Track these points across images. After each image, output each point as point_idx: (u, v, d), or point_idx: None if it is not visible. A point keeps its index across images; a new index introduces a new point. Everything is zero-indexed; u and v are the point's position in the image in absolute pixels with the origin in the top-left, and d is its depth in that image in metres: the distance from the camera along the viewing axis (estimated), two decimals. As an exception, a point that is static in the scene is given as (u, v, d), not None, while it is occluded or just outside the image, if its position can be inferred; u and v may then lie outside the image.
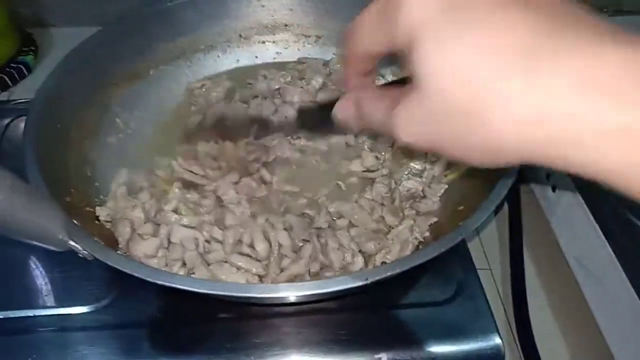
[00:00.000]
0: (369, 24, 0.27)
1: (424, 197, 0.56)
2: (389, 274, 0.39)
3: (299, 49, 0.70)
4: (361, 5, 0.72)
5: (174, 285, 0.37)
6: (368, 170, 0.58)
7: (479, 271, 0.67)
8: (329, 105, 0.33)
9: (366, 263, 0.50)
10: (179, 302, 0.50)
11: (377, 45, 0.27)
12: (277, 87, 0.65)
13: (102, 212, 0.50)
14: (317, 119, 0.43)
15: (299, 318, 0.49)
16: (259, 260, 0.47)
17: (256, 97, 0.64)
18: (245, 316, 0.49)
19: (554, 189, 0.64)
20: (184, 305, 0.50)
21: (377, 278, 0.39)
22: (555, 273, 0.66)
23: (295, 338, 0.48)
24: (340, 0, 0.68)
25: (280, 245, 0.47)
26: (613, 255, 0.54)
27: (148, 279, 0.38)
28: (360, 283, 0.38)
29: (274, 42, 0.70)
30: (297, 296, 0.38)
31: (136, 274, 0.38)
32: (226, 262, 0.46)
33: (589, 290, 0.60)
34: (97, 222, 0.50)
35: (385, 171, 0.57)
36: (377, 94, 0.29)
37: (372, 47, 0.27)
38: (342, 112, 0.31)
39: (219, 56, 0.69)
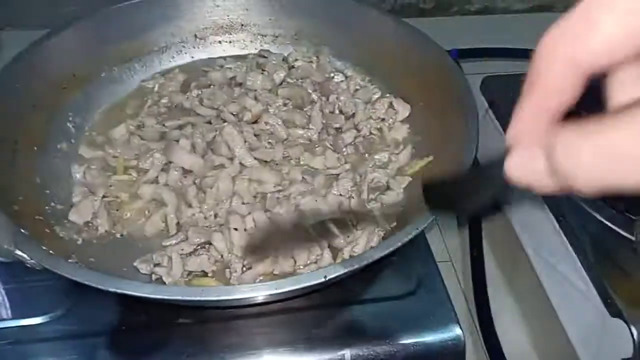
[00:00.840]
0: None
1: (389, 188, 0.56)
2: (346, 270, 0.39)
3: (256, 49, 0.70)
4: (316, 4, 0.71)
5: (124, 292, 0.36)
6: (331, 168, 0.58)
7: (440, 264, 0.68)
8: (472, 177, 0.24)
9: (334, 257, 0.50)
10: (138, 308, 0.49)
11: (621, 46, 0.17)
12: (232, 75, 0.64)
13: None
14: (460, 196, 0.29)
15: (261, 319, 0.49)
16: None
17: (212, 85, 0.63)
18: (206, 320, 0.48)
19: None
20: (143, 311, 0.49)
21: (335, 275, 0.39)
22: (514, 264, 0.68)
23: (257, 339, 0.47)
24: (295, -1, 0.68)
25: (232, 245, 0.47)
26: (568, 243, 0.56)
27: (99, 287, 0.37)
28: (318, 281, 0.38)
29: (230, 42, 0.70)
30: (252, 298, 0.38)
31: (86, 282, 0.37)
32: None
33: (546, 278, 0.62)
34: (47, 230, 0.48)
35: (347, 166, 0.58)
36: (581, 132, 0.18)
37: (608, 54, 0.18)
38: (522, 170, 0.21)
39: (173, 57, 0.68)
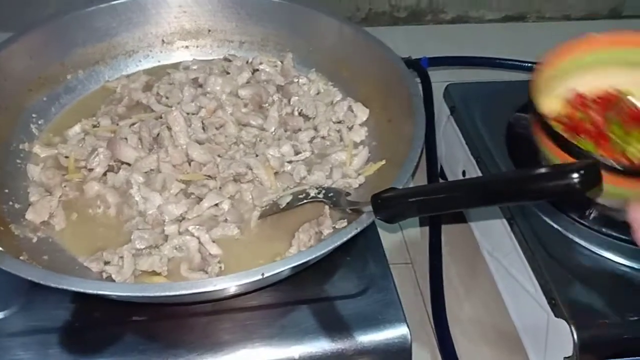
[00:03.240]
0: None
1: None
2: (284, 268, 0.40)
3: (222, 54, 0.71)
4: (281, 11, 0.73)
5: (64, 288, 0.38)
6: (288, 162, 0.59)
7: (400, 266, 0.70)
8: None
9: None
10: (92, 305, 0.50)
11: None
12: (195, 76, 0.66)
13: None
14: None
15: (213, 316, 0.50)
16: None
17: (171, 84, 0.65)
18: (159, 317, 0.49)
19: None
20: (97, 309, 0.50)
21: (273, 273, 0.40)
22: (472, 265, 0.69)
23: (209, 337, 0.48)
24: (262, 6, 0.69)
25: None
26: (518, 246, 0.58)
27: (41, 282, 0.38)
28: (255, 278, 0.39)
29: (197, 46, 0.71)
30: (192, 295, 0.39)
31: (30, 278, 0.38)
32: None
33: (499, 279, 0.63)
34: (2, 228, 0.49)
35: (307, 154, 0.59)
36: None
37: None
38: None
39: (140, 61, 0.69)
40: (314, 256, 0.41)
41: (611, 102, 0.60)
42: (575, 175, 0.28)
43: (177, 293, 0.38)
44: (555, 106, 0.60)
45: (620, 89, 0.61)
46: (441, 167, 0.77)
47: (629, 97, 0.60)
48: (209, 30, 0.71)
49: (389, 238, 0.71)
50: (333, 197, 0.52)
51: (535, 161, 0.61)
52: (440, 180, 0.76)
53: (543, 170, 0.30)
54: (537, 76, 0.58)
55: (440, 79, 0.85)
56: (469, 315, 0.65)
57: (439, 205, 0.38)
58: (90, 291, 0.37)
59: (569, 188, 0.28)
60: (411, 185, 0.53)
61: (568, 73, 0.61)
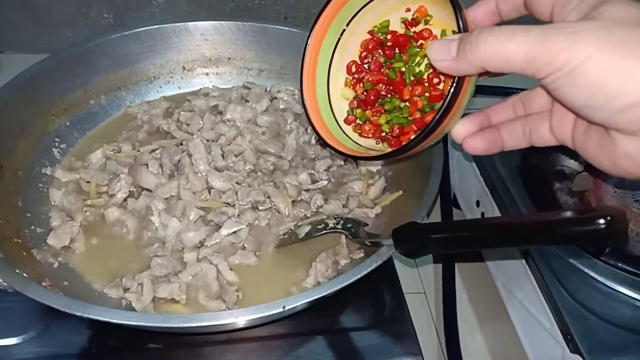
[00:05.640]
0: None
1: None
2: (305, 301, 0.40)
3: (242, 82, 0.73)
4: (300, 42, 0.75)
5: (90, 317, 0.38)
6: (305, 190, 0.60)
7: (413, 295, 0.70)
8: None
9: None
10: (109, 332, 0.50)
11: None
12: (215, 104, 0.67)
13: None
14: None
15: (230, 346, 0.50)
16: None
17: (191, 111, 0.66)
18: (175, 346, 0.50)
19: (482, 216, 0.67)
20: (114, 335, 0.50)
21: (294, 305, 0.40)
22: (486, 297, 0.69)
23: (223, 367, 0.49)
24: (281, 35, 0.71)
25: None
26: (533, 280, 0.58)
27: (66, 310, 0.38)
28: (277, 311, 0.40)
29: (217, 73, 0.73)
30: (214, 326, 0.39)
31: (54, 305, 0.39)
32: None
33: (513, 312, 0.63)
34: (24, 253, 0.50)
35: (324, 182, 0.60)
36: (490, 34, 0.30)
37: None
38: (438, 52, 0.33)
39: (161, 87, 0.70)
40: (335, 289, 0.41)
41: (375, 48, 0.49)
42: (602, 221, 0.28)
43: (201, 324, 0.38)
44: (349, 93, 0.50)
45: (376, 25, 0.48)
46: (454, 195, 0.78)
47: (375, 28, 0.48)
48: (229, 58, 0.72)
49: (401, 267, 0.71)
50: (352, 229, 0.52)
51: (551, 193, 0.61)
52: (454, 210, 0.76)
53: (569, 214, 0.30)
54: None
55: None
56: (483, 348, 0.65)
57: (462, 243, 0.38)
58: (116, 321, 0.38)
59: (595, 234, 0.28)
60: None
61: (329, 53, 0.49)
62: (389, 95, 0.47)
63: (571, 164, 0.65)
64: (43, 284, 0.46)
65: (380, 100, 0.47)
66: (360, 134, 0.48)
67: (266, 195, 0.57)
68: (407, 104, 0.46)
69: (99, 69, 0.66)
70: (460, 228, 0.39)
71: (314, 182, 0.60)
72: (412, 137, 0.41)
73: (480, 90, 0.94)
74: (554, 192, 0.60)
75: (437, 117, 0.36)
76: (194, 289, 0.51)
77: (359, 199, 0.60)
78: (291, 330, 0.52)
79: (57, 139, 0.62)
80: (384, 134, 0.47)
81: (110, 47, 0.66)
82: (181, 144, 0.61)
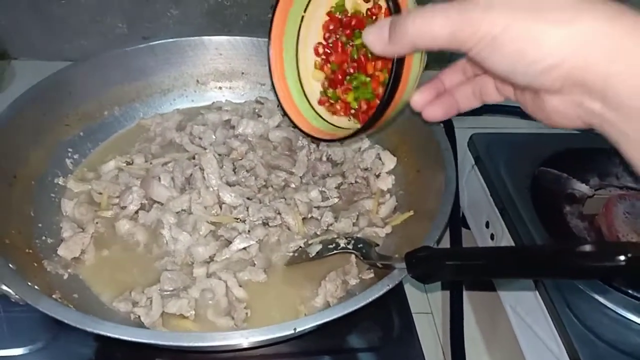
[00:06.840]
0: None
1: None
2: (316, 323, 0.40)
3: (254, 96, 0.73)
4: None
5: (101, 333, 0.38)
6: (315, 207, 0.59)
7: (420, 315, 0.69)
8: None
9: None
10: (116, 346, 0.50)
11: None
12: (228, 118, 0.67)
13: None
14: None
15: (235, 363, 0.50)
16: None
17: (204, 124, 0.66)
18: (181, 361, 0.50)
19: (492, 237, 0.67)
20: (120, 349, 0.50)
21: (305, 327, 0.40)
22: (493, 319, 0.68)
23: (230, 384, 0.48)
24: (295, 51, 0.71)
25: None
26: (543, 304, 0.57)
27: (77, 326, 0.38)
28: (287, 333, 0.39)
29: (230, 88, 0.73)
30: (224, 346, 0.39)
31: (65, 320, 0.39)
32: None
33: (521, 336, 0.62)
34: (35, 264, 0.50)
35: (335, 200, 0.60)
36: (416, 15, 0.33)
37: None
38: (373, 35, 0.35)
39: (175, 99, 0.71)
40: (346, 312, 0.41)
41: (336, 29, 0.50)
42: (622, 257, 0.28)
43: (212, 344, 0.38)
44: (319, 75, 0.52)
45: (333, 6, 0.49)
46: (463, 214, 0.77)
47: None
48: (242, 73, 0.73)
49: (409, 287, 0.71)
50: (363, 249, 0.52)
51: (561, 216, 0.61)
52: (463, 229, 0.75)
53: (588, 248, 0.30)
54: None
55: (462, 125, 0.85)
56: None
57: (476, 271, 0.38)
58: (127, 338, 0.38)
59: (615, 270, 0.28)
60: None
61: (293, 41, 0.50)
62: (355, 73, 0.49)
63: (582, 187, 0.65)
64: (53, 296, 0.46)
65: (348, 77, 0.50)
66: (333, 113, 0.51)
67: (277, 212, 0.57)
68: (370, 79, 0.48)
69: (114, 80, 0.66)
70: (476, 256, 0.39)
71: (324, 199, 0.60)
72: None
73: (498, 110, 0.95)
74: (564, 215, 0.60)
75: (387, 94, 0.39)
76: (202, 305, 0.50)
77: (369, 217, 0.59)
78: (298, 350, 0.52)
79: (70, 149, 0.62)
80: (353, 110, 0.50)
81: (125, 59, 0.66)
82: (193, 158, 0.61)
